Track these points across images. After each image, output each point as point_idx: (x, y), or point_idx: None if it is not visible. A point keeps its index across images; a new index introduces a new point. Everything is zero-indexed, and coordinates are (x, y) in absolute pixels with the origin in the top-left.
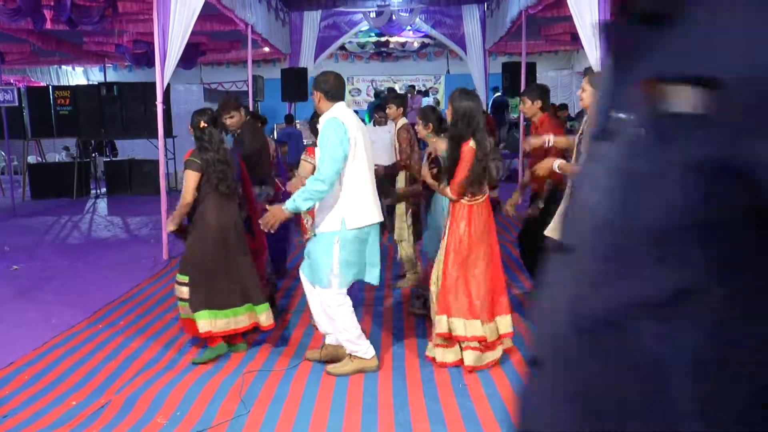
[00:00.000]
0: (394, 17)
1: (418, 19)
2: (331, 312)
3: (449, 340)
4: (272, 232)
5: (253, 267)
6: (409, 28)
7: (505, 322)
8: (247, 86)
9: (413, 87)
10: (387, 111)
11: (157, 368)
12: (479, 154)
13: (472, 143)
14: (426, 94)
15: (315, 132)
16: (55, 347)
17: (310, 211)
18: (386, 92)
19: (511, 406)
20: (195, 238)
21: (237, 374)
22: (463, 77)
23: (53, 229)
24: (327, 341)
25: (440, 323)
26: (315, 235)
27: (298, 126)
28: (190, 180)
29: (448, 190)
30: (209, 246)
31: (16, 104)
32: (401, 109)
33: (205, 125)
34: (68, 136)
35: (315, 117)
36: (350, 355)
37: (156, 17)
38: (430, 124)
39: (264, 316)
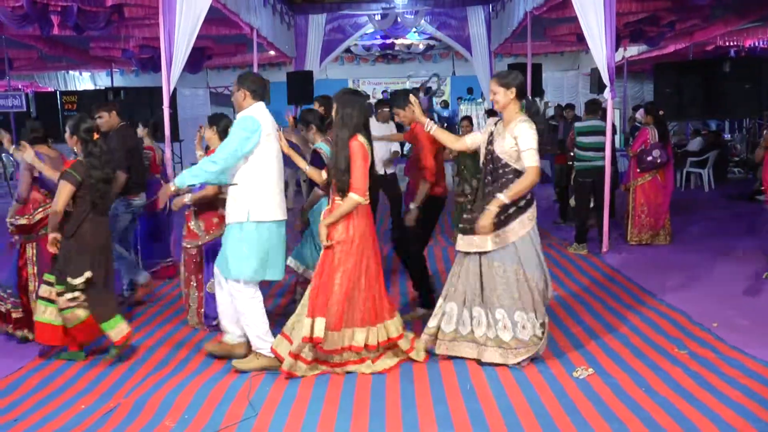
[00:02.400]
0: (399, 19)
1: (423, 21)
2: (241, 305)
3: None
4: (161, 208)
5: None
6: (414, 30)
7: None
8: None
9: (417, 88)
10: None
11: (166, 371)
12: (367, 148)
13: (360, 138)
14: (427, 92)
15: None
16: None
17: (201, 215)
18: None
19: (519, 407)
20: (77, 253)
21: (245, 377)
22: (468, 79)
23: None
24: (225, 339)
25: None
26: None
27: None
28: (65, 193)
29: (353, 196)
30: (89, 256)
31: (24, 109)
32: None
33: (97, 137)
34: None
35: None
36: (255, 352)
37: (162, 22)
38: (313, 126)
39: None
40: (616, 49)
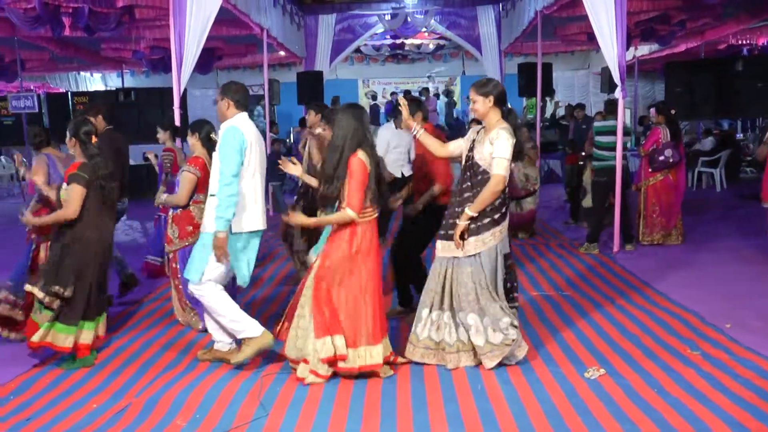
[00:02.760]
0: (409, 19)
1: (433, 20)
2: (208, 302)
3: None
4: (226, 261)
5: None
6: (424, 29)
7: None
8: (263, 90)
9: (427, 89)
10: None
11: (177, 371)
12: (371, 165)
13: (360, 154)
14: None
15: (206, 144)
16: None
17: (176, 222)
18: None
19: (530, 408)
20: (74, 253)
21: (256, 377)
22: (478, 78)
23: None
24: (216, 347)
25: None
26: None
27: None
28: (77, 196)
29: (348, 211)
30: (91, 261)
31: (36, 110)
32: (420, 113)
33: (95, 140)
34: None
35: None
36: (243, 340)
37: (172, 23)
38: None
39: (102, 327)
40: (627, 48)
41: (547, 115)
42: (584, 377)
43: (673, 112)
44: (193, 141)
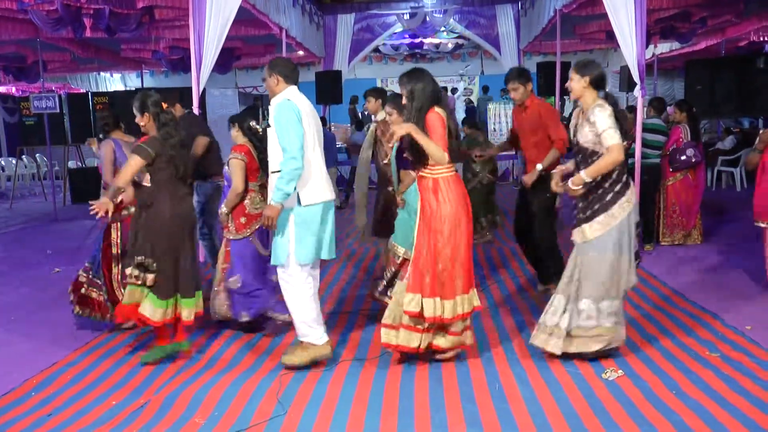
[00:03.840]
0: (427, 18)
1: (451, 20)
2: (291, 291)
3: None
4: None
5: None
6: (443, 29)
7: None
8: None
9: (445, 88)
10: None
11: (196, 368)
12: (447, 120)
13: (437, 109)
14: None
15: (247, 134)
16: (96, 347)
17: (232, 214)
18: None
19: (548, 408)
20: (147, 226)
21: (274, 375)
22: (497, 78)
23: (93, 233)
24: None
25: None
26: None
27: (332, 129)
28: (132, 166)
29: (435, 151)
30: (165, 234)
31: (58, 111)
32: None
33: (166, 105)
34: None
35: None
36: (301, 342)
37: (192, 23)
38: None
39: (187, 311)
40: (647, 47)
41: (566, 114)
42: (602, 378)
43: (693, 110)
44: (235, 132)
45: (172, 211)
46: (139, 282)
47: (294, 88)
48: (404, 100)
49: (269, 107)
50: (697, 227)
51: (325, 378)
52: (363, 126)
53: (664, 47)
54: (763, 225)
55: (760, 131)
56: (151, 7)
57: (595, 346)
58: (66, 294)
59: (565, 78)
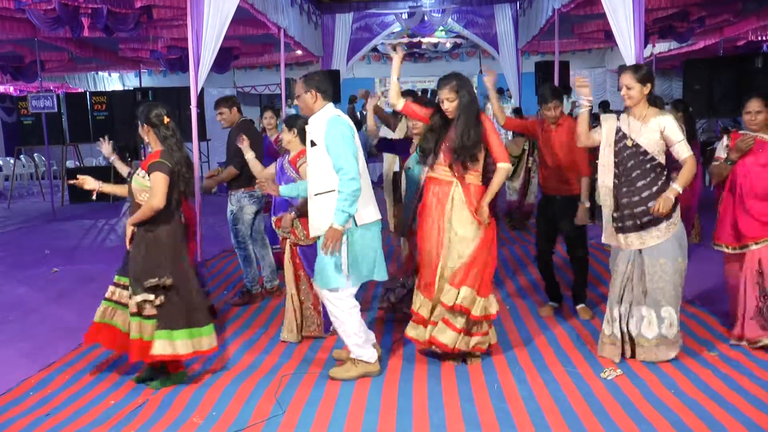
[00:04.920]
0: (426, 18)
1: (450, 19)
2: (340, 315)
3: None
4: (336, 252)
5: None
6: (441, 28)
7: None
8: (280, 89)
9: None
10: None
11: (194, 368)
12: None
13: (484, 113)
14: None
15: (302, 137)
16: (94, 347)
17: (301, 221)
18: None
19: (546, 408)
20: (161, 247)
21: (273, 375)
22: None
23: (91, 233)
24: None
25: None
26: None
27: None
28: (163, 184)
29: (504, 165)
30: (164, 260)
31: (56, 110)
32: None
33: (169, 120)
34: None
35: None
36: (353, 359)
37: (190, 23)
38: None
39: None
40: (645, 46)
41: (565, 112)
42: (601, 377)
43: (690, 109)
44: (291, 137)
45: (176, 233)
46: (147, 313)
47: (331, 105)
48: (446, 102)
49: (308, 124)
50: (695, 226)
51: (323, 378)
52: (362, 126)
53: (662, 47)
54: (728, 250)
55: (723, 138)
56: (149, 7)
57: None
58: (64, 293)
59: (563, 78)
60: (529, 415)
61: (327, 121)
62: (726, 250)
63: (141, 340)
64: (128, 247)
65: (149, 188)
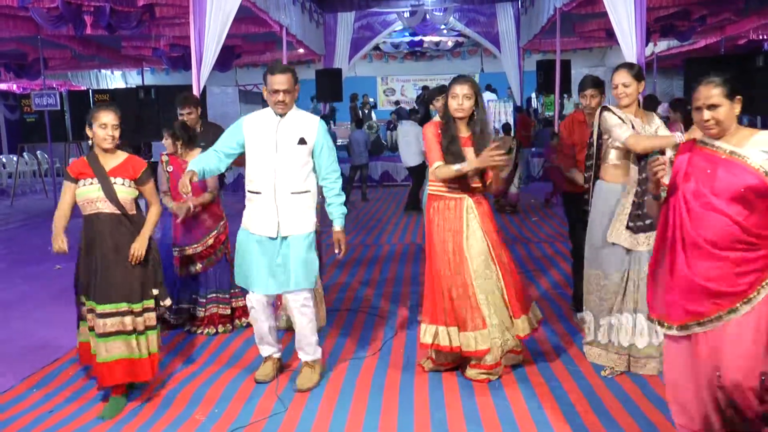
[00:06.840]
0: (428, 16)
1: (452, 18)
2: (310, 314)
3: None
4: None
5: None
6: (443, 27)
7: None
8: None
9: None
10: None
11: (196, 366)
12: None
13: None
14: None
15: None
16: None
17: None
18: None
19: (547, 406)
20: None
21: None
22: (497, 75)
23: None
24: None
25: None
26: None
27: (332, 127)
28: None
29: None
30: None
31: (58, 108)
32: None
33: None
34: None
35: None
36: (308, 363)
37: (192, 21)
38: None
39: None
40: (646, 45)
41: (566, 112)
42: (601, 376)
43: (689, 108)
44: None
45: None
46: (150, 323)
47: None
48: (464, 100)
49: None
50: None
51: (324, 376)
52: (363, 124)
53: (663, 45)
54: (674, 333)
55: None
56: (152, 5)
57: None
58: (67, 290)
59: (564, 76)
60: (530, 412)
61: (320, 121)
62: (674, 333)
63: (152, 354)
64: (135, 262)
65: (149, 195)
